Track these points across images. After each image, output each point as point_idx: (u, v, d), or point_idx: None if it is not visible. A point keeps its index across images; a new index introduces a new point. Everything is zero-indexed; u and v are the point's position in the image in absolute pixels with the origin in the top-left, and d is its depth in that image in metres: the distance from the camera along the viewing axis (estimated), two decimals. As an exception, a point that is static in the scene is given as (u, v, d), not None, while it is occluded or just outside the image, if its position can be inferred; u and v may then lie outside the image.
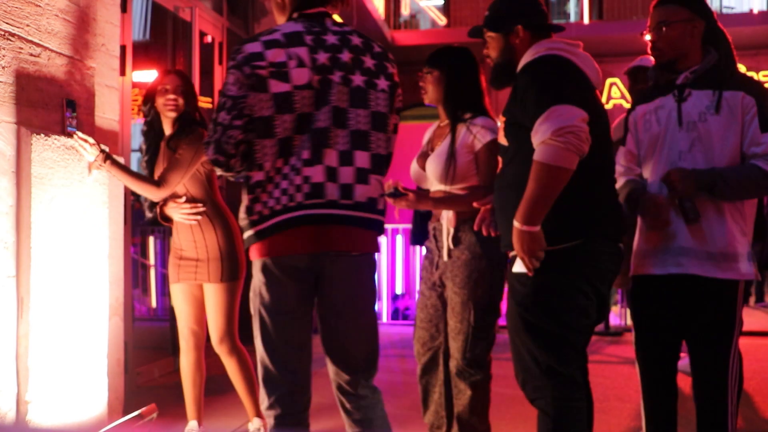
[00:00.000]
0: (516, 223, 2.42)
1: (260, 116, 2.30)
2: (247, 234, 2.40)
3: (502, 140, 2.63)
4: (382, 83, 2.43)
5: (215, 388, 4.81)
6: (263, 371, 2.43)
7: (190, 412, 3.67)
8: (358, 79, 2.38)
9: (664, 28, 2.77)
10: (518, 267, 2.56)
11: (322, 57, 2.35)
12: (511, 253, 2.58)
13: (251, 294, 2.44)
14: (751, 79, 2.86)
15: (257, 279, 2.41)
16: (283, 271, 2.35)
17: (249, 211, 2.36)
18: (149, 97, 3.60)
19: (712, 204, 2.71)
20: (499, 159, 2.70)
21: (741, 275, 2.72)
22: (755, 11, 13.00)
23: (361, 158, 2.38)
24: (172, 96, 3.53)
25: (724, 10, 13.49)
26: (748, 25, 12.07)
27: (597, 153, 2.47)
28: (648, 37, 2.83)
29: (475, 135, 3.11)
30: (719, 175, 2.65)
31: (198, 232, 3.54)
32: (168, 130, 3.59)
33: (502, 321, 3.10)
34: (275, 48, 2.31)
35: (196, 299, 3.63)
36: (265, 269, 2.37)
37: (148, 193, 3.46)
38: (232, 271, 3.55)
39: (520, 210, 2.40)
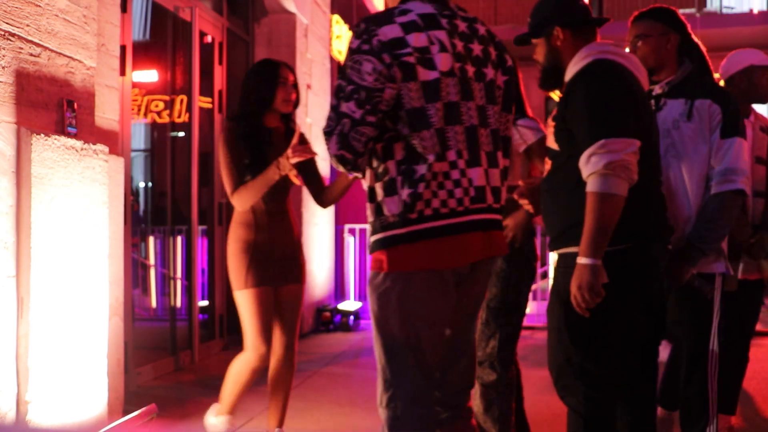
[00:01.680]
0: (582, 260, 2.41)
1: (411, 108, 2.09)
2: (394, 233, 2.13)
3: (552, 144, 2.66)
4: (500, 79, 2.30)
5: (215, 388, 4.81)
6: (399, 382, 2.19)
7: (273, 421, 3.52)
8: (489, 73, 2.25)
9: (640, 42, 2.99)
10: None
11: (459, 44, 2.18)
12: (558, 251, 2.61)
13: (382, 301, 2.18)
14: (720, 88, 3.06)
15: (407, 287, 2.15)
16: (446, 282, 2.19)
17: (408, 207, 2.11)
18: (265, 89, 3.32)
19: (687, 209, 2.92)
20: (547, 161, 2.75)
21: (715, 270, 2.99)
22: (755, 11, 13.01)
23: (501, 159, 2.29)
24: (293, 91, 3.38)
25: (724, 10, 13.50)
26: (748, 25, 12.09)
27: (647, 159, 2.54)
28: (627, 51, 2.97)
29: (520, 136, 3.12)
30: (698, 240, 2.88)
31: (291, 229, 3.41)
32: (273, 123, 3.40)
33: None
34: (415, 32, 2.10)
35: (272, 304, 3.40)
36: (424, 278, 2.15)
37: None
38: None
39: (583, 245, 2.41)
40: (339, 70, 2.15)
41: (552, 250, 2.67)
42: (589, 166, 2.42)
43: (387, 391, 2.19)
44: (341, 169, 2.15)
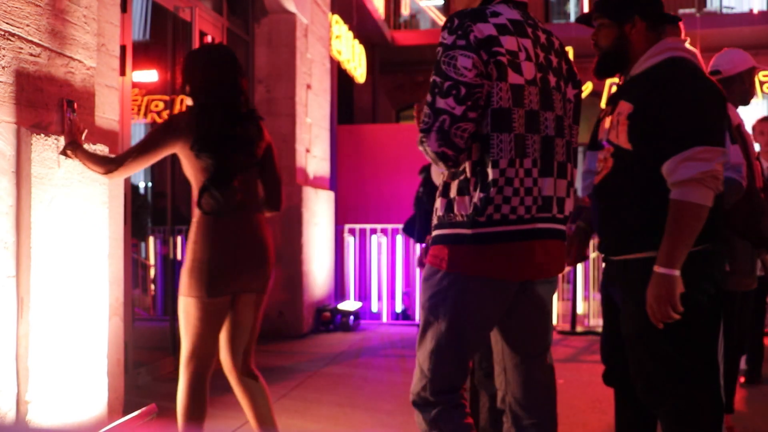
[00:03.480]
0: (661, 269, 2.33)
1: (499, 107, 2.09)
2: (460, 232, 2.15)
3: (623, 143, 2.49)
4: (570, 92, 2.31)
5: (214, 387, 4.80)
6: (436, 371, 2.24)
7: None
8: (563, 86, 2.27)
9: None
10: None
11: (541, 54, 2.20)
12: (634, 256, 2.49)
13: (436, 299, 2.21)
14: None
15: (463, 291, 2.17)
16: (502, 290, 2.21)
17: (477, 211, 2.12)
18: None
19: None
20: (609, 158, 2.57)
21: None
22: (755, 11, 13.00)
23: (570, 171, 2.28)
24: None
25: (724, 10, 13.49)
26: (748, 25, 12.08)
27: None
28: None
29: None
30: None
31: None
32: None
33: None
34: (507, 35, 2.12)
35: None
36: (481, 285, 2.17)
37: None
38: (194, 287, 2.94)
39: (663, 253, 2.34)
40: (434, 67, 2.12)
41: (616, 255, 2.54)
42: (679, 172, 2.34)
43: (421, 380, 2.27)
44: (441, 166, 2.14)
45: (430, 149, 2.10)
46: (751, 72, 3.63)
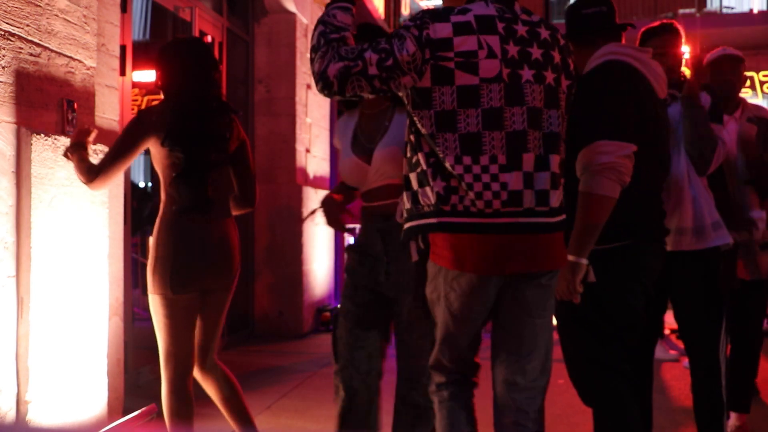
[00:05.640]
0: (569, 257, 2.43)
1: (442, 110, 2.12)
2: (428, 221, 2.20)
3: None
4: (564, 82, 2.27)
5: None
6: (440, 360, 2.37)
7: None
8: (549, 77, 2.22)
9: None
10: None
11: (513, 49, 2.17)
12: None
13: (433, 295, 2.29)
14: None
15: (448, 280, 2.23)
16: (482, 284, 2.22)
17: (442, 199, 2.15)
18: None
19: (688, 185, 3.04)
20: None
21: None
22: (755, 11, 13.00)
23: (554, 162, 2.23)
24: None
25: (724, 10, 13.49)
26: (748, 25, 12.08)
27: (649, 164, 2.60)
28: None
29: None
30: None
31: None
32: None
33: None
34: (465, 34, 2.12)
35: None
36: (461, 277, 2.21)
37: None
38: (158, 284, 2.92)
39: (571, 242, 2.45)
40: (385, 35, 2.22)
41: None
42: (581, 165, 2.49)
43: (432, 347, 2.38)
44: (318, 88, 2.17)
45: (320, 66, 2.14)
46: (715, 65, 3.68)
